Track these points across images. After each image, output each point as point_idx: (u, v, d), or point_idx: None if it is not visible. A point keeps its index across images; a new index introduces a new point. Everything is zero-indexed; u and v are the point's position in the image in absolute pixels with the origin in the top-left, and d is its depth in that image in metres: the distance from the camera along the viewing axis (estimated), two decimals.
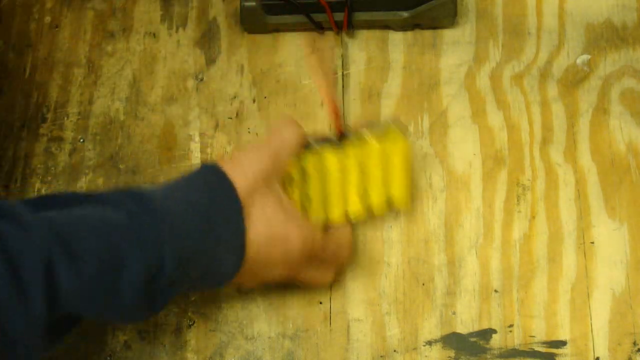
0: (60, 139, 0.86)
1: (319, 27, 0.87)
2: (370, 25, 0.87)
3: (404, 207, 0.79)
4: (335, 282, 0.78)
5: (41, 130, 0.86)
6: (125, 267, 0.61)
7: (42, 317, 0.58)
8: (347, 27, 0.86)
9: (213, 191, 0.68)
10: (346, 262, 0.78)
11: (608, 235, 0.79)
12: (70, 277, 0.59)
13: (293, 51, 0.88)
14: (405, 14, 0.86)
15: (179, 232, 0.64)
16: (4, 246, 0.57)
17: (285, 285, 0.78)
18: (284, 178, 0.73)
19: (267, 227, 0.69)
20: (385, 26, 0.88)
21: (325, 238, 0.73)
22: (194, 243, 0.65)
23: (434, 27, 0.87)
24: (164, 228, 0.63)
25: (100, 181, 0.83)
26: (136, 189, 0.66)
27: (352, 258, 0.79)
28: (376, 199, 0.77)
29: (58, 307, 0.59)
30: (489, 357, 0.75)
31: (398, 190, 0.77)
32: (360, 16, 0.86)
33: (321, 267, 0.75)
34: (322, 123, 0.85)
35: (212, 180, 0.69)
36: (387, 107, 0.85)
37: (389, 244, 0.80)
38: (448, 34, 0.88)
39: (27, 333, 0.58)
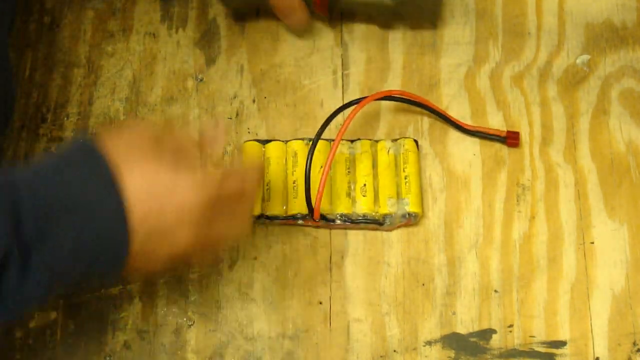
0: (60, 139, 0.85)
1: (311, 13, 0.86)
2: (353, 11, 0.86)
3: (417, 210, 0.79)
4: (334, 281, 0.78)
5: (41, 131, 0.86)
6: None
7: None
8: (328, 12, 0.85)
9: (72, 154, 0.59)
10: (254, 197, 0.70)
11: (608, 235, 0.79)
12: None
13: (293, 51, 0.88)
14: (388, 1, 0.84)
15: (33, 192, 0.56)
16: None
17: (285, 285, 0.78)
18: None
19: (149, 182, 0.58)
20: (369, 17, 0.87)
21: (226, 178, 0.63)
22: (52, 201, 0.56)
23: (418, 19, 0.86)
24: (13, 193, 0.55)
25: None
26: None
27: (353, 255, 0.79)
28: (385, 195, 0.79)
29: None
30: (489, 357, 0.75)
31: (412, 195, 0.79)
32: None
33: (234, 216, 0.65)
34: (321, 123, 0.85)
35: (71, 148, 0.60)
36: (387, 108, 0.85)
37: (389, 244, 0.80)
38: (448, 34, 0.88)
39: None
